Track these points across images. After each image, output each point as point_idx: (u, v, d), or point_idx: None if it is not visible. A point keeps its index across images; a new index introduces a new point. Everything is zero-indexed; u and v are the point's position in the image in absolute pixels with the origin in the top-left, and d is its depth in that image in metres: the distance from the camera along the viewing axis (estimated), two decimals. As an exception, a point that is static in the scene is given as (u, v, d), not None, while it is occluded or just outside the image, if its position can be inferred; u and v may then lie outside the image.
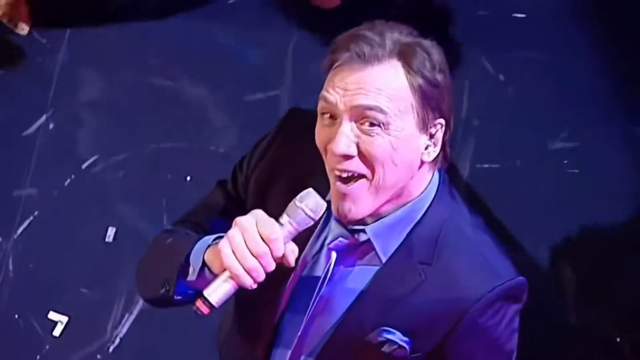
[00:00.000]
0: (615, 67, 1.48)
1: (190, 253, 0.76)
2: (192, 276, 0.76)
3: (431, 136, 0.76)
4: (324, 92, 0.74)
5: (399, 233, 0.79)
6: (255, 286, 0.68)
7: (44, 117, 1.63)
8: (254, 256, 0.67)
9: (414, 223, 0.79)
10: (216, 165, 1.65)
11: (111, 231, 1.60)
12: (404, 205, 0.79)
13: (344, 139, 0.70)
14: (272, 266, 0.67)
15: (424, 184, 0.80)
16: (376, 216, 0.76)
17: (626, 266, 1.55)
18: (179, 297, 0.77)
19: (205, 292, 0.69)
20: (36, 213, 1.64)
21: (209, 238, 0.76)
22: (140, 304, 1.62)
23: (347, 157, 0.71)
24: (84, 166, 1.65)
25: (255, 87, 1.63)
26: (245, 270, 0.66)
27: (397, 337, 0.78)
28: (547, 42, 1.49)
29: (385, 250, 0.79)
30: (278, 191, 0.83)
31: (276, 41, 1.65)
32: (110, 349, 1.62)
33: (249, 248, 0.66)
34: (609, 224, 1.55)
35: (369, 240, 0.78)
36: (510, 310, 0.80)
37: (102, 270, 1.65)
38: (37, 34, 1.68)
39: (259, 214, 0.70)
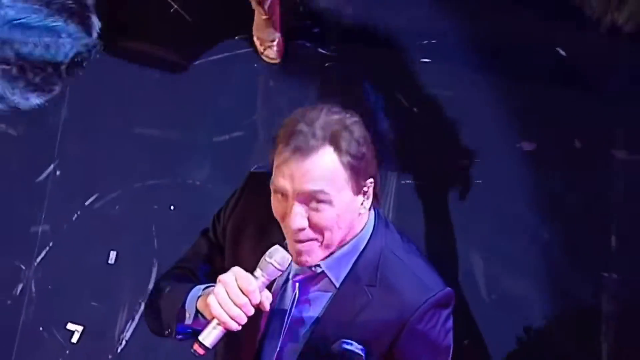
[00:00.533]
0: (505, 99, 1.81)
1: (185, 302, 0.91)
2: (188, 320, 0.91)
3: (364, 194, 0.90)
4: (275, 179, 0.87)
5: (347, 263, 0.93)
6: (240, 328, 0.83)
7: (51, 166, 1.97)
8: (237, 306, 0.81)
9: (358, 253, 0.93)
10: (194, 195, 1.99)
11: (113, 254, 1.92)
12: (350, 241, 0.93)
13: (298, 217, 0.83)
14: (251, 311, 0.82)
15: (364, 223, 0.94)
16: (328, 255, 0.91)
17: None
18: (180, 337, 0.92)
19: (200, 338, 0.83)
20: (50, 244, 1.96)
21: (199, 288, 0.91)
22: (140, 311, 1.96)
23: (301, 229, 0.85)
24: (86, 203, 1.97)
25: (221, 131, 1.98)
26: (230, 318, 0.81)
27: (354, 346, 0.92)
28: (450, 81, 1.84)
29: (337, 278, 0.93)
30: (248, 238, 0.98)
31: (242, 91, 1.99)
32: (119, 350, 1.95)
33: (232, 300, 0.81)
34: (511, 220, 1.90)
35: (323, 271, 0.92)
36: (443, 315, 0.94)
37: (107, 287, 1.97)
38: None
39: (237, 270, 0.84)
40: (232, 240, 1.01)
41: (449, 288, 0.95)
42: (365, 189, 0.89)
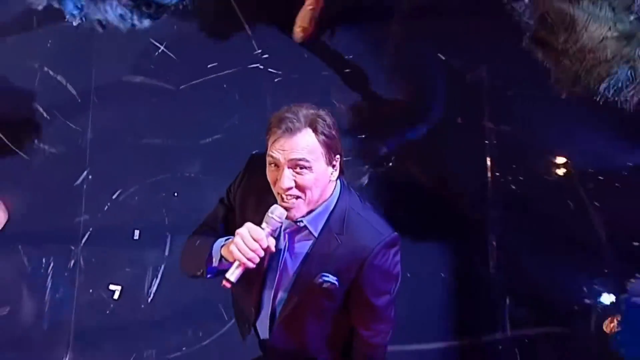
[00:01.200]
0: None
1: (211, 250, 1.19)
2: (215, 264, 1.19)
3: (334, 166, 1.17)
4: (270, 152, 1.12)
5: (322, 219, 1.20)
6: (254, 266, 1.10)
7: (85, 173, 2.64)
8: (251, 250, 1.07)
9: (329, 212, 1.21)
10: (190, 185, 2.67)
11: (137, 233, 2.61)
12: (322, 203, 1.20)
13: (287, 178, 1.09)
14: (262, 253, 1.09)
15: (332, 189, 1.21)
16: (308, 212, 1.18)
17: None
18: (209, 275, 1.21)
19: (227, 275, 1.08)
20: (90, 229, 2.64)
21: (221, 240, 1.19)
22: (161, 272, 2.65)
23: (289, 188, 1.10)
24: (113, 197, 2.64)
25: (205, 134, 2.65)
26: (247, 259, 1.07)
27: (330, 278, 1.20)
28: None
29: (315, 229, 1.20)
30: (251, 203, 1.25)
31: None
32: (149, 301, 2.65)
33: (247, 246, 1.07)
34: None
35: (305, 225, 1.20)
36: (391, 252, 1.21)
37: (135, 256, 2.67)
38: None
39: (249, 225, 1.10)
40: (240, 205, 1.29)
41: (395, 233, 1.23)
42: (334, 162, 1.17)
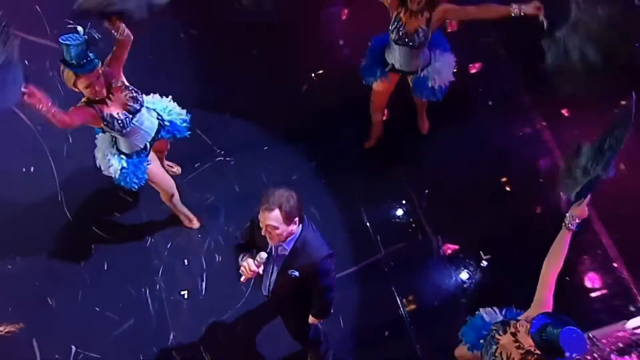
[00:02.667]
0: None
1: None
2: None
3: (295, 223, 2.14)
4: (259, 217, 2.12)
5: (291, 243, 2.24)
6: (254, 276, 2.32)
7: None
8: (250, 272, 2.27)
9: (295, 240, 2.23)
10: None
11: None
12: (291, 237, 2.21)
13: (266, 233, 2.14)
14: (256, 273, 2.29)
15: (296, 230, 2.20)
16: (282, 242, 2.21)
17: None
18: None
19: (242, 279, 2.34)
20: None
21: (242, 255, 2.36)
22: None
23: (271, 238, 2.17)
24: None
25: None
26: (248, 275, 2.30)
27: (294, 272, 2.30)
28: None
29: (288, 249, 2.25)
30: (258, 237, 2.26)
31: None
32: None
33: (248, 270, 2.27)
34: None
35: (284, 247, 2.25)
36: (328, 261, 2.29)
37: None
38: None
39: (249, 261, 2.27)
40: (252, 236, 2.37)
41: (330, 250, 2.31)
42: (294, 222, 2.13)
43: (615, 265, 3.36)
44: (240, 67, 3.89)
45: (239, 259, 2.35)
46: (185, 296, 3.29)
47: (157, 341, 3.17)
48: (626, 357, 2.98)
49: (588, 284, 3.35)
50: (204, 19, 4.06)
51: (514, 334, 2.15)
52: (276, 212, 2.05)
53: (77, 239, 3.41)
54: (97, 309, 3.22)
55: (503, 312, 2.54)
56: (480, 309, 2.55)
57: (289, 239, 2.19)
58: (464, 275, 3.39)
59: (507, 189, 3.60)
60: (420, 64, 3.09)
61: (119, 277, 3.31)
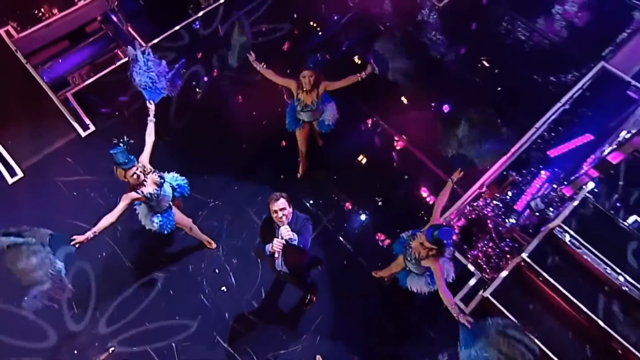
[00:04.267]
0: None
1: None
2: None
3: (291, 206, 3.89)
4: (271, 208, 3.82)
5: (292, 222, 3.91)
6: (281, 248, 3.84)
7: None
8: (279, 245, 3.79)
9: (293, 219, 3.96)
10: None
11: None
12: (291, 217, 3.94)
13: (281, 220, 3.82)
14: (282, 245, 3.80)
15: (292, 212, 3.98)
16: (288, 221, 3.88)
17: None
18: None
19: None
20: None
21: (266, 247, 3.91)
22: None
23: (282, 222, 3.82)
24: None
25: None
26: (280, 248, 3.81)
27: (295, 240, 3.84)
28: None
29: (291, 224, 3.95)
30: (268, 236, 3.91)
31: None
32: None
33: (279, 244, 3.80)
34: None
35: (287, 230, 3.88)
36: (309, 222, 3.98)
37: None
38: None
39: (275, 241, 3.80)
40: (264, 233, 3.98)
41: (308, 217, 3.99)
42: (291, 205, 3.87)
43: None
44: (206, 145, 6.00)
45: (266, 249, 3.80)
46: (225, 290, 5.22)
47: (218, 322, 5.06)
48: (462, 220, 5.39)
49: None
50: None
51: (419, 240, 4.09)
52: (282, 199, 3.78)
53: (140, 275, 5.22)
54: (177, 317, 5.07)
55: (412, 231, 4.44)
56: (402, 234, 4.46)
57: (291, 218, 3.81)
58: (363, 217, 5.70)
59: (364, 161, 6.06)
60: (317, 114, 5.25)
61: (179, 292, 5.18)
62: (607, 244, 4.98)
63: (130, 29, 6.69)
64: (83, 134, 5.94)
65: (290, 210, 3.85)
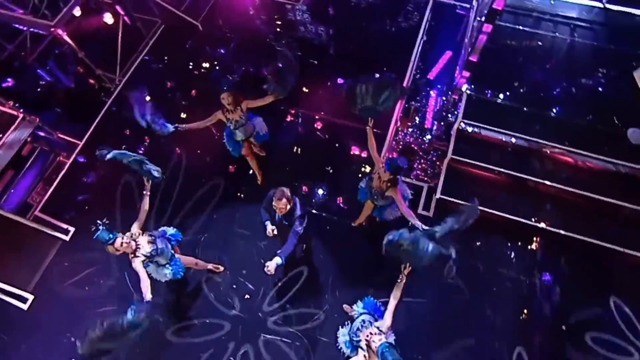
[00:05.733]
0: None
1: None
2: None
3: (290, 202, 4.77)
4: (275, 206, 4.69)
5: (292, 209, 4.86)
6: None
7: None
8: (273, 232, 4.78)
9: (293, 205, 4.90)
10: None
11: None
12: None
13: (281, 211, 4.76)
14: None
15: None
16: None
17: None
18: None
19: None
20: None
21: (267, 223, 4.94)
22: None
23: (282, 211, 4.69)
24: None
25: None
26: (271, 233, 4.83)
27: (298, 225, 4.81)
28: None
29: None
30: (271, 212, 4.89)
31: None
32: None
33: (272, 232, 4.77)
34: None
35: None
36: (297, 200, 4.86)
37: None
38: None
39: (269, 228, 4.82)
40: (268, 211, 4.91)
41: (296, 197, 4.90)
42: (289, 201, 4.69)
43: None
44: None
45: (262, 216, 4.77)
46: (249, 296, 5.99)
47: (255, 322, 5.83)
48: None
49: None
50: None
51: (377, 178, 4.94)
52: (284, 200, 4.54)
53: (176, 321, 5.89)
54: (208, 320, 5.80)
55: (365, 178, 5.43)
56: (360, 184, 5.45)
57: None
58: (321, 191, 6.78)
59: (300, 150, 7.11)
60: (250, 128, 5.87)
61: (213, 317, 5.91)
62: (496, 119, 6.42)
63: (60, 135, 7.23)
64: (67, 237, 6.45)
65: (290, 206, 4.66)
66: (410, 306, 5.67)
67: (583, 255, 5.87)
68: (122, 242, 4.53)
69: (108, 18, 7.62)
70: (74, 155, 7.02)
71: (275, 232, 4.69)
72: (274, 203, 4.65)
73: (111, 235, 4.49)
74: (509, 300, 5.73)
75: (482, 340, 5.50)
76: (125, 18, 7.57)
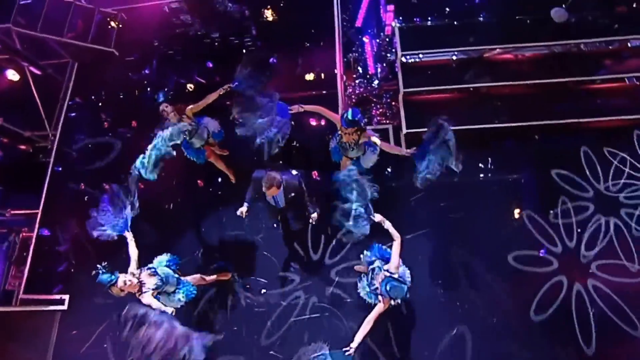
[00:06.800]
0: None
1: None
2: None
3: (279, 187, 4.78)
4: (265, 191, 4.69)
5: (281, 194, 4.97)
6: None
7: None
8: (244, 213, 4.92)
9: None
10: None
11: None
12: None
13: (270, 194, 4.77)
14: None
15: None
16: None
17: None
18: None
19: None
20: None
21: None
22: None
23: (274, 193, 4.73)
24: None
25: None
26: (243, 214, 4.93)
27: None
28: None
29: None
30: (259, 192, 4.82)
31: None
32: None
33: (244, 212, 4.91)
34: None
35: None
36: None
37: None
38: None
39: (243, 209, 4.93)
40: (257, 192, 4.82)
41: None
42: (278, 187, 4.70)
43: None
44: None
45: (245, 204, 4.73)
46: (265, 291, 5.87)
47: (276, 310, 5.83)
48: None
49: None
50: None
51: (344, 134, 4.91)
52: (274, 187, 4.54)
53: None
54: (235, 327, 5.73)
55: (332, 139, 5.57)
56: (330, 146, 5.52)
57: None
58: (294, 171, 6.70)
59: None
60: (204, 132, 5.65)
61: (240, 325, 5.83)
62: (432, 41, 6.56)
63: (13, 212, 6.75)
64: (64, 307, 6.10)
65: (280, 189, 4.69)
66: (416, 241, 5.80)
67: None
68: (125, 281, 4.40)
69: (12, 75, 7.07)
70: (36, 227, 6.57)
71: (245, 213, 4.72)
72: (265, 191, 4.61)
73: (112, 277, 4.36)
74: (500, 204, 6.00)
75: (478, 250, 5.74)
76: (32, 69, 7.04)
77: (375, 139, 4.95)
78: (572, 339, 5.29)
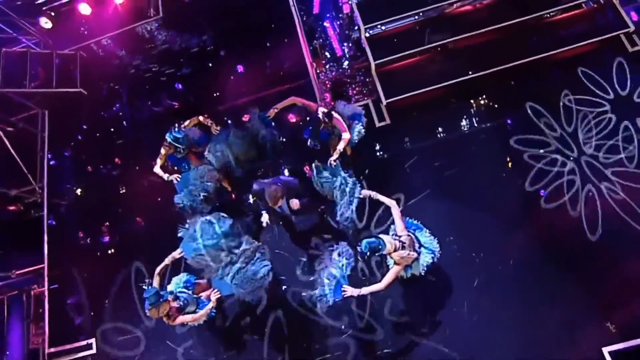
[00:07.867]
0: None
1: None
2: None
3: (284, 198, 4.95)
4: (269, 202, 4.82)
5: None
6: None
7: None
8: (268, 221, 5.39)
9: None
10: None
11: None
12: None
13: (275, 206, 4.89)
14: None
15: None
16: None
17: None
18: None
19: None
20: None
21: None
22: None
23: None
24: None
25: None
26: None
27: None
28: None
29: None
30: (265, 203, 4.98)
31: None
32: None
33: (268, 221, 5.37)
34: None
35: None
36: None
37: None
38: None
39: (265, 216, 5.36)
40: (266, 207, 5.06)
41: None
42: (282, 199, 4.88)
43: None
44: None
45: (263, 214, 5.05)
46: (285, 287, 5.82)
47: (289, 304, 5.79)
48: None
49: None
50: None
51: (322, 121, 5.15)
52: (279, 200, 4.68)
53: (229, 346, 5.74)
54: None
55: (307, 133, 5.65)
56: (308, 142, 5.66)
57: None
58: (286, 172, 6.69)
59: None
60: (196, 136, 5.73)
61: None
62: (391, 9, 6.59)
63: (18, 273, 6.64)
64: (94, 350, 6.01)
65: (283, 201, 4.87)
66: (419, 204, 5.84)
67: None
68: (170, 303, 4.59)
69: (-16, 137, 6.91)
70: (46, 281, 6.47)
71: (268, 222, 5.12)
72: (272, 206, 4.82)
73: (161, 299, 4.47)
74: (492, 150, 6.07)
75: (481, 199, 5.78)
76: (3, 126, 6.91)
77: (336, 123, 5.26)
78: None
